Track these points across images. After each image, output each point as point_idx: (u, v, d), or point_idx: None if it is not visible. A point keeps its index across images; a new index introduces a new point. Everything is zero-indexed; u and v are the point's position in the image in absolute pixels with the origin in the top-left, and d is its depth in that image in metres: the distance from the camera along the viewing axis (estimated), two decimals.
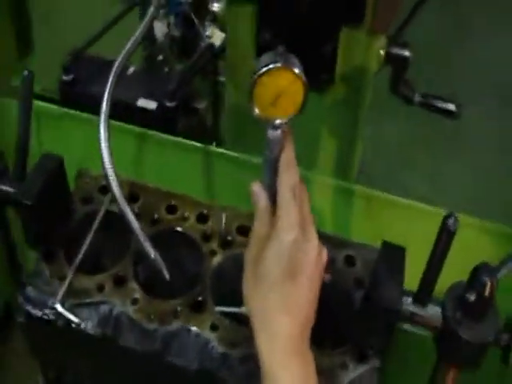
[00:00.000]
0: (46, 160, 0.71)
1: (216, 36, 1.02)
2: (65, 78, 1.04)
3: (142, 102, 1.03)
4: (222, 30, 0.98)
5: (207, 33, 1.00)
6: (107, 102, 0.64)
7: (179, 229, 0.77)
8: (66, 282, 0.77)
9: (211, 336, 0.71)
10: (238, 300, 0.73)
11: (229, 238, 0.76)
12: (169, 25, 1.00)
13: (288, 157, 0.58)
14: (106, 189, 0.81)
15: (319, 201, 1.02)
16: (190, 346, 0.72)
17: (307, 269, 0.56)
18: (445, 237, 0.56)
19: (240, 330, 0.71)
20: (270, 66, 0.55)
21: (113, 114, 0.99)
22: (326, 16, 0.71)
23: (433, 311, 0.61)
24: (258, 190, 0.60)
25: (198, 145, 1.04)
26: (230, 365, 0.71)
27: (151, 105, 1.03)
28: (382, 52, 0.76)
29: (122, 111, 1.04)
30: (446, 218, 0.56)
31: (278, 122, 0.58)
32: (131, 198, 0.80)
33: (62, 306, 0.76)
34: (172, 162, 1.07)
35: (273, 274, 0.55)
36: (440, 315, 0.60)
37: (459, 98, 0.93)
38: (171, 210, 0.79)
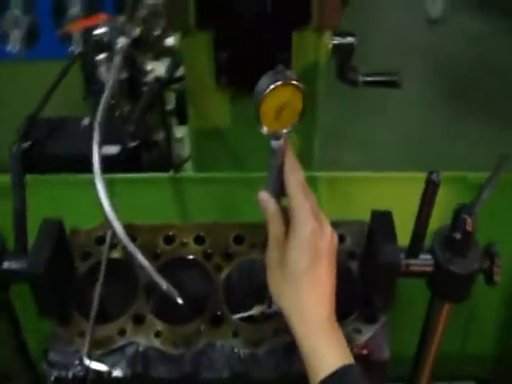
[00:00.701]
0: (47, 225, 0.74)
1: (158, 69, 1.06)
2: (23, 145, 1.06)
3: (104, 150, 1.06)
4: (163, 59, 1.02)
5: (148, 67, 1.05)
6: (97, 155, 0.68)
7: (182, 256, 0.82)
8: (88, 336, 0.80)
9: (234, 342, 0.77)
10: (251, 302, 0.79)
11: (229, 250, 0.82)
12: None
13: (291, 160, 0.65)
14: (102, 240, 0.85)
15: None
16: (218, 358, 0.77)
17: (326, 252, 0.63)
18: (431, 190, 0.64)
19: (259, 329, 0.77)
20: (273, 86, 0.59)
21: (79, 169, 1.03)
22: (276, 25, 0.75)
23: (425, 259, 0.69)
24: (265, 197, 0.67)
25: (165, 175, 1.09)
26: (257, 362, 0.76)
27: (113, 149, 1.06)
28: (329, 45, 0.81)
29: (81, 163, 1.08)
30: (430, 173, 0.64)
31: (282, 132, 0.63)
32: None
33: (89, 359, 0.79)
34: (145, 197, 1.11)
35: (299, 264, 0.62)
36: (431, 260, 0.68)
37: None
38: (169, 240, 0.83)
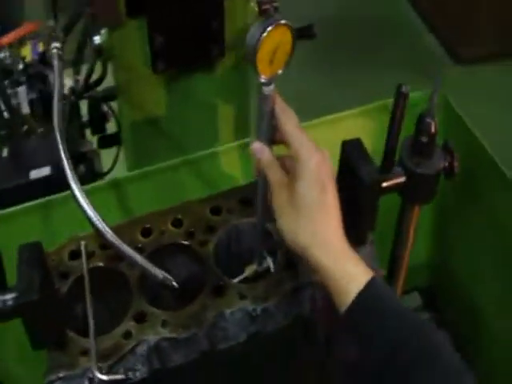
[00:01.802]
0: (26, 251, 0.71)
1: (67, 80, 1.04)
2: None
3: (35, 174, 1.03)
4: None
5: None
6: (66, 163, 0.67)
7: (165, 243, 0.83)
8: (93, 352, 0.77)
9: (243, 304, 0.78)
10: (245, 263, 0.82)
11: (209, 224, 0.84)
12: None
13: (282, 103, 0.67)
14: (75, 254, 0.83)
15: (233, 168, 1.11)
16: (230, 325, 0.78)
17: (330, 179, 0.66)
18: (401, 102, 0.70)
19: (263, 285, 0.80)
20: (270, 29, 0.60)
21: (13, 201, 0.99)
22: None
23: (397, 171, 0.76)
24: (258, 146, 0.68)
25: (102, 183, 1.08)
26: (269, 315, 0.79)
27: (44, 171, 1.03)
28: (255, 8, 0.84)
29: (19, 194, 1.04)
30: (398, 86, 0.69)
31: (276, 75, 0.64)
32: (104, 246, 0.83)
33: (101, 373, 0.77)
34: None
35: (310, 197, 0.65)
36: (402, 171, 0.75)
37: None
38: (147, 232, 0.83)
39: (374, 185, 0.73)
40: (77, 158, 1.08)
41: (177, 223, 0.84)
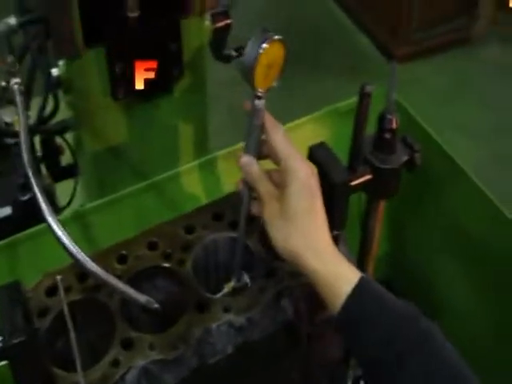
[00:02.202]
0: (5, 292, 0.70)
1: (15, 119, 1.03)
2: None
3: None
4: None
5: (8, 120, 1.01)
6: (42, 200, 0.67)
7: (142, 268, 0.83)
8: None
9: (228, 317, 0.79)
10: (225, 277, 0.83)
11: (185, 243, 0.84)
12: None
13: (270, 116, 0.70)
14: (52, 291, 0.82)
15: (195, 187, 1.12)
16: (217, 339, 0.79)
17: (317, 188, 0.69)
18: (365, 101, 0.73)
19: (244, 296, 0.81)
20: (265, 46, 0.62)
21: None
22: (165, 18, 0.77)
23: (363, 169, 0.79)
24: (248, 159, 0.71)
25: (66, 216, 1.07)
26: (254, 324, 0.80)
27: (5, 211, 1.01)
28: (210, 27, 0.86)
29: None
30: (362, 86, 0.73)
31: (271, 88, 0.66)
32: (81, 278, 0.83)
33: None
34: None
35: (300, 206, 0.68)
36: (369, 168, 0.79)
37: None
38: (123, 259, 0.84)
39: (345, 185, 0.76)
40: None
41: (152, 246, 0.85)
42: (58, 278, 0.81)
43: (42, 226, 1.02)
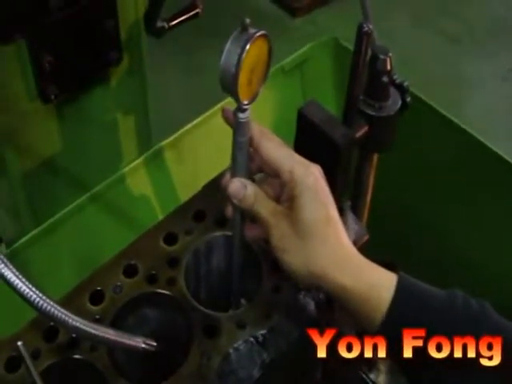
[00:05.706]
0: None
1: None
2: None
3: None
4: None
5: None
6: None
7: (127, 300, 0.65)
8: None
9: (245, 334, 0.65)
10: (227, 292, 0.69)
11: (169, 256, 0.68)
12: None
13: (259, 126, 0.58)
14: (14, 362, 0.63)
15: (144, 187, 0.96)
16: (241, 363, 0.66)
17: (328, 189, 0.58)
18: (365, 41, 0.60)
19: (258, 304, 0.68)
20: (248, 47, 0.49)
21: None
22: None
23: (359, 122, 0.67)
24: (239, 184, 0.58)
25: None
26: (279, 331, 0.67)
27: None
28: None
29: None
30: (360, 26, 0.60)
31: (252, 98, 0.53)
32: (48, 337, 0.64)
33: None
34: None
35: (315, 215, 0.56)
36: (363, 120, 0.66)
37: None
38: (98, 297, 0.65)
39: (349, 146, 0.63)
40: None
41: (131, 271, 0.67)
42: (20, 344, 0.62)
43: None
